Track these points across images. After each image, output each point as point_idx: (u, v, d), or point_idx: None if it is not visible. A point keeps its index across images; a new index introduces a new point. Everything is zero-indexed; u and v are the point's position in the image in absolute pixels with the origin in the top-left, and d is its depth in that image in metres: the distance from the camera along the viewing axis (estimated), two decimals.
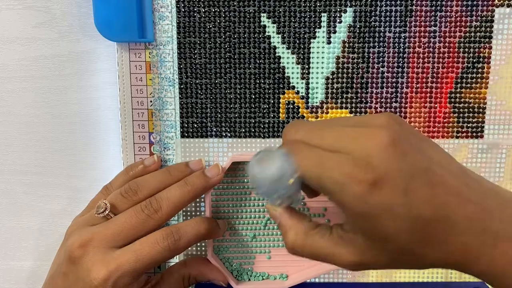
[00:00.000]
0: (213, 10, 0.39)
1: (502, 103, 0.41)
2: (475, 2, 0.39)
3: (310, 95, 0.41)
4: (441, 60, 0.40)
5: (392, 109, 0.41)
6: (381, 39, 0.40)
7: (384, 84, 0.40)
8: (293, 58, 0.40)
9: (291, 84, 0.41)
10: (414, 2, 0.39)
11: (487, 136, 0.41)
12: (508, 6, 0.39)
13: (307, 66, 0.40)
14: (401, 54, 0.40)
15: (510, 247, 0.25)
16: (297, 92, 0.41)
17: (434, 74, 0.40)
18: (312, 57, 0.40)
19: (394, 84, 0.40)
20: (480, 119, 0.41)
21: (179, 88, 0.41)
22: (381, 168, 0.25)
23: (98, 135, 0.43)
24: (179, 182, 0.38)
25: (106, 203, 0.36)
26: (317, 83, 0.40)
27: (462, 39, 0.40)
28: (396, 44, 0.40)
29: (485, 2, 0.39)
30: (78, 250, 0.34)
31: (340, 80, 0.40)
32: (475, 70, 0.40)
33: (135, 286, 0.35)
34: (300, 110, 0.41)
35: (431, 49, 0.40)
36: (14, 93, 0.42)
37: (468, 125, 0.41)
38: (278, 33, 0.40)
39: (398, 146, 0.25)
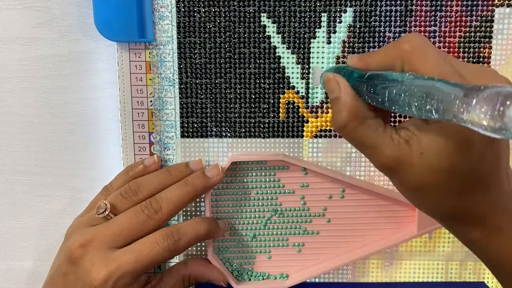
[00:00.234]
0: (213, 10, 0.39)
1: None
2: (475, 2, 0.39)
3: (310, 95, 0.41)
4: None
5: None
6: (381, 39, 0.40)
7: None
8: (293, 58, 0.40)
9: (291, 84, 0.41)
10: (414, 2, 0.39)
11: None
12: (508, 6, 0.39)
13: (307, 66, 0.40)
14: None
15: None
16: (297, 92, 0.41)
17: None
18: (312, 57, 0.40)
19: None
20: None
21: (179, 88, 0.41)
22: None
23: (98, 135, 0.43)
24: (179, 182, 0.38)
25: (106, 203, 0.36)
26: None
27: (462, 39, 0.40)
28: None
29: (485, 2, 0.39)
30: (78, 250, 0.34)
31: None
32: None
33: (135, 286, 0.35)
34: (300, 110, 0.41)
35: None
36: (14, 93, 0.42)
37: None
38: (278, 33, 0.40)
39: None
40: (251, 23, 0.40)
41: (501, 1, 0.39)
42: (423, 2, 0.39)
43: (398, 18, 0.39)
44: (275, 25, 0.40)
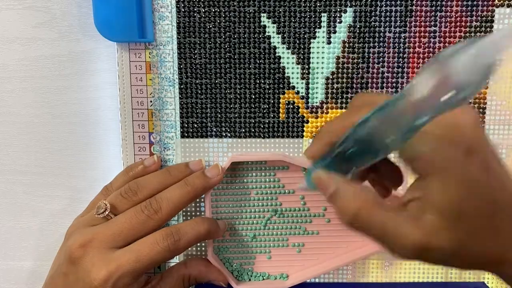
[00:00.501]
0: (213, 10, 0.39)
1: (502, 103, 0.41)
2: (475, 2, 0.39)
3: (310, 95, 0.41)
4: None
5: None
6: (381, 39, 0.40)
7: (384, 84, 0.40)
8: (293, 58, 0.40)
9: (291, 84, 0.41)
10: (414, 2, 0.39)
11: None
12: (508, 6, 0.39)
13: (307, 66, 0.40)
14: (401, 54, 0.40)
15: None
16: (297, 92, 0.41)
17: None
18: (312, 57, 0.40)
19: (394, 84, 0.40)
20: (480, 119, 0.41)
21: (179, 88, 0.41)
22: (476, 138, 0.25)
23: (98, 135, 0.43)
24: (179, 182, 0.38)
25: (106, 203, 0.36)
26: (317, 83, 0.40)
27: (462, 39, 0.40)
28: (396, 44, 0.40)
29: (485, 2, 0.39)
30: (78, 250, 0.34)
31: (340, 80, 0.40)
32: None
33: (135, 286, 0.35)
34: (300, 110, 0.41)
35: (431, 49, 0.40)
36: (14, 93, 0.42)
37: None
38: (278, 33, 0.40)
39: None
40: (251, 23, 0.40)
41: (501, 1, 0.39)
42: (423, 2, 0.39)
43: (398, 18, 0.39)
44: (275, 25, 0.40)
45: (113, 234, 0.35)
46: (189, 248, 0.41)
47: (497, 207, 0.25)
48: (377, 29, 0.40)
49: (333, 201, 0.27)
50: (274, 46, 0.40)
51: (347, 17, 0.39)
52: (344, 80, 0.40)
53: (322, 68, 0.40)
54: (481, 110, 0.41)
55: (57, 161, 0.43)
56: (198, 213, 0.42)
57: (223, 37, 0.40)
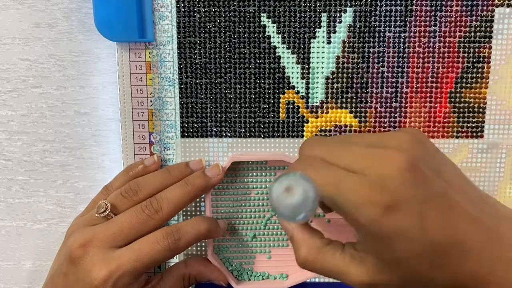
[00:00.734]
0: (213, 10, 0.39)
1: (502, 103, 0.41)
2: (475, 2, 0.39)
3: (310, 95, 0.41)
4: (441, 60, 0.40)
5: (392, 109, 0.41)
6: (381, 39, 0.40)
7: (384, 84, 0.40)
8: (293, 58, 0.40)
9: (291, 84, 0.41)
10: (414, 2, 0.39)
11: (487, 136, 0.41)
12: (508, 6, 0.39)
13: (307, 66, 0.40)
14: (401, 54, 0.40)
15: None
16: (297, 92, 0.41)
17: (434, 74, 0.40)
18: (312, 57, 0.40)
19: (394, 84, 0.41)
20: (480, 119, 0.41)
21: (179, 88, 0.41)
22: (397, 192, 0.25)
23: (98, 135, 0.43)
24: (179, 182, 0.38)
25: (107, 203, 0.36)
26: (317, 83, 0.41)
27: (462, 39, 0.40)
28: (396, 44, 0.40)
29: (485, 2, 0.39)
30: (78, 250, 0.34)
31: (340, 80, 0.40)
32: (475, 70, 0.40)
33: (135, 286, 0.35)
34: (300, 110, 0.41)
35: (431, 49, 0.40)
36: (14, 93, 0.42)
37: (468, 125, 0.41)
38: (278, 33, 0.40)
39: (415, 171, 0.25)
40: (251, 23, 0.40)
41: (501, 1, 0.39)
42: (423, 2, 0.39)
43: (398, 18, 0.39)
44: (275, 25, 0.40)
45: (113, 233, 0.35)
46: (189, 248, 0.41)
47: (428, 250, 0.25)
48: (377, 29, 0.40)
49: (292, 244, 0.31)
50: (274, 46, 0.40)
51: (347, 17, 0.39)
52: (344, 80, 0.40)
53: (322, 68, 0.40)
54: (481, 110, 0.41)
55: (57, 161, 0.43)
56: (198, 213, 0.42)
57: (223, 37, 0.40)
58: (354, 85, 0.41)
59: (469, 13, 0.39)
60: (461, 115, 0.41)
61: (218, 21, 0.40)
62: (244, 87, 0.41)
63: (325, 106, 0.41)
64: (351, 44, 0.40)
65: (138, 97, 0.41)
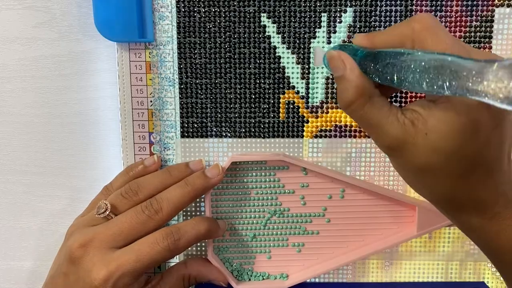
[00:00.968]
0: (213, 10, 0.39)
1: None
2: (475, 2, 0.39)
3: (310, 95, 0.41)
4: None
5: None
6: None
7: None
8: (293, 58, 0.40)
9: (291, 84, 0.41)
10: (414, 2, 0.39)
11: None
12: (508, 6, 0.39)
13: (307, 66, 0.40)
14: None
15: None
16: (297, 92, 0.41)
17: None
18: (312, 57, 0.40)
19: None
20: None
21: (179, 88, 0.41)
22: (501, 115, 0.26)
23: (98, 135, 0.43)
24: (179, 182, 0.38)
25: (107, 203, 0.36)
26: (317, 83, 0.40)
27: (462, 39, 0.40)
28: None
29: (485, 2, 0.39)
30: (78, 250, 0.34)
31: None
32: None
33: (135, 286, 0.35)
34: (300, 110, 0.41)
35: None
36: (14, 93, 0.42)
37: None
38: (278, 33, 0.40)
39: None
40: (251, 23, 0.40)
41: (501, 1, 0.39)
42: (423, 2, 0.39)
43: (398, 18, 0.39)
44: (275, 25, 0.40)
45: (113, 234, 0.35)
46: (189, 248, 0.41)
47: (484, 158, 0.26)
48: (377, 29, 0.40)
49: (337, 84, 0.28)
50: (274, 46, 0.40)
51: (347, 17, 0.39)
52: None
53: (322, 68, 0.40)
54: None
55: (57, 161, 0.43)
56: (198, 213, 0.42)
57: (223, 37, 0.40)
58: None
59: (469, 13, 0.39)
60: None
61: (218, 21, 0.40)
62: (244, 87, 0.41)
63: (325, 106, 0.41)
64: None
65: (138, 97, 0.41)
